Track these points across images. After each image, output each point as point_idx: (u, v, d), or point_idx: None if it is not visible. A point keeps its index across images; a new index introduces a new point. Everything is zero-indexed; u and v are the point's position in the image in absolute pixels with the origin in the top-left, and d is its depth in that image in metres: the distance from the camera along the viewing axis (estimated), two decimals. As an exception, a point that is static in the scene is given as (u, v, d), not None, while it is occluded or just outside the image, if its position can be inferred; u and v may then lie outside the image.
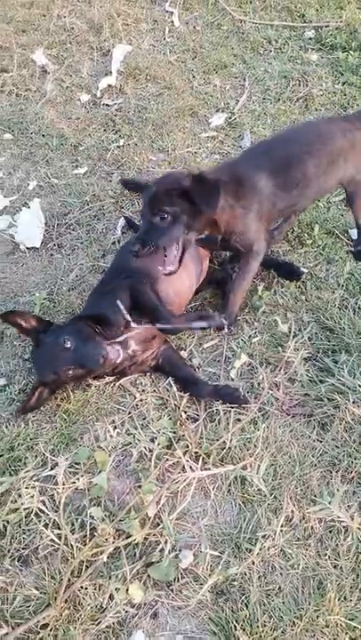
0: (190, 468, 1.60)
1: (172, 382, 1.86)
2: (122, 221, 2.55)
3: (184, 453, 1.64)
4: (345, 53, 3.26)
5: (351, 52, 3.27)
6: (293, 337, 1.96)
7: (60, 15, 3.70)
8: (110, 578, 1.45)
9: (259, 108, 3.10)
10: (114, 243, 2.51)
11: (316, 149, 1.94)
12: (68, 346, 1.68)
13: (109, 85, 3.26)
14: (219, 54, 3.44)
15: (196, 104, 3.16)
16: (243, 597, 1.40)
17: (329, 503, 1.52)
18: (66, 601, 1.43)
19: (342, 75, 3.17)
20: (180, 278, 1.93)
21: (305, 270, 2.24)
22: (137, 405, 1.81)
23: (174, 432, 1.73)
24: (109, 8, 3.73)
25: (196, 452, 1.66)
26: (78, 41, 3.54)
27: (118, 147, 2.95)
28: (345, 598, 1.37)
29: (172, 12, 3.73)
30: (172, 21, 3.70)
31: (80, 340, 1.70)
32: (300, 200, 2.03)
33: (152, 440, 1.70)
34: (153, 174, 2.77)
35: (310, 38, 3.50)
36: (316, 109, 3.01)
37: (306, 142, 1.97)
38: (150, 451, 1.67)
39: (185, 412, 1.78)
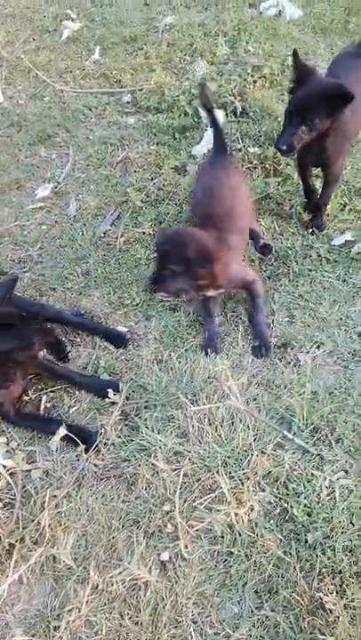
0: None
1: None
2: None
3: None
4: (156, 115, 3.55)
5: (161, 113, 3.57)
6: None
7: None
8: None
9: (83, 175, 3.29)
10: None
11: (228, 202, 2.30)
12: None
13: None
14: (43, 125, 3.62)
15: (22, 177, 3.30)
16: None
17: (129, 563, 1.65)
18: None
19: (156, 135, 3.45)
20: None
21: (124, 329, 2.42)
22: None
23: (-11, 522, 1.79)
24: None
25: (9, 543, 1.73)
26: None
27: None
28: (143, 654, 1.49)
29: (-5, 89, 3.88)
30: (-3, 97, 3.85)
31: None
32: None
33: None
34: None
35: (128, 102, 3.78)
36: (135, 171, 3.24)
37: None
38: None
39: (0, 500, 1.85)
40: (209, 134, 3.29)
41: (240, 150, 3.18)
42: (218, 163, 2.50)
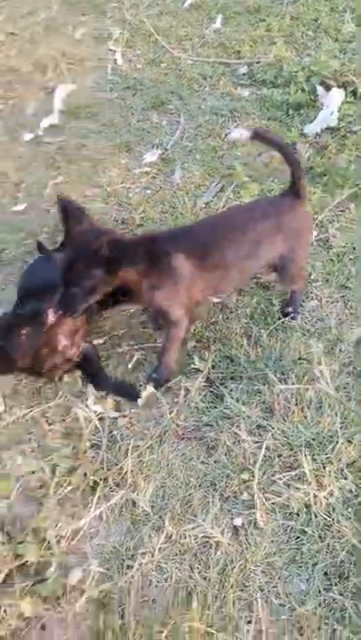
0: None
1: (78, 412, 2.03)
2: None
3: (82, 481, 1.82)
4: (271, 90, 3.47)
5: (277, 88, 3.48)
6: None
7: (8, 55, 3.91)
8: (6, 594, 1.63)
9: (190, 144, 3.30)
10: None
11: (234, 236, 1.99)
12: None
13: (52, 124, 3.46)
14: (157, 91, 3.66)
15: (132, 140, 3.37)
16: (119, 609, 1.58)
17: (203, 521, 1.71)
18: None
19: (268, 110, 3.38)
20: None
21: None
22: (45, 435, 1.99)
23: (77, 459, 1.91)
24: (55, 48, 3.95)
25: (93, 480, 1.84)
26: (24, 81, 3.75)
27: (56, 184, 3.14)
28: (208, 607, 1.55)
29: (115, 51, 3.95)
30: (116, 59, 3.92)
31: None
32: (221, 282, 2.08)
33: (53, 468, 1.88)
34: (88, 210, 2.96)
35: (244, 74, 3.72)
36: (243, 145, 3.21)
37: (226, 229, 2.01)
38: (52, 477, 1.85)
39: (89, 441, 1.96)
40: (324, 113, 3.19)
41: (355, 133, 3.05)
42: (275, 204, 2.19)
